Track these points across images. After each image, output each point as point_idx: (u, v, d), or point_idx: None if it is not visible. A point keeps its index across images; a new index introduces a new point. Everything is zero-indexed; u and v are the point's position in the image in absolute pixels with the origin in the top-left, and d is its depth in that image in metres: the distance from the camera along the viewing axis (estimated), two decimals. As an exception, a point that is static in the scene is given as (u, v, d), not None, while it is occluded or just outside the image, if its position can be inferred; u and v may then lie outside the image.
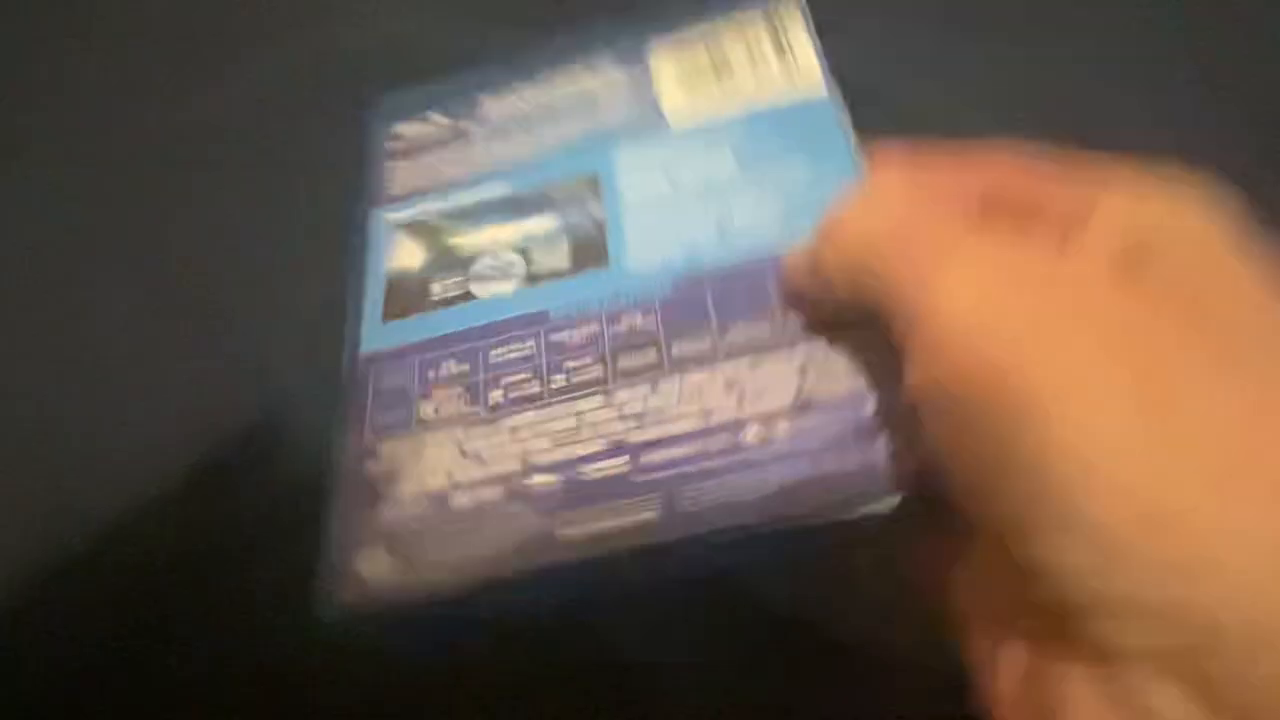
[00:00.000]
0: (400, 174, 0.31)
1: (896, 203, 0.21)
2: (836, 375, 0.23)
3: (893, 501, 0.21)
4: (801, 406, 0.22)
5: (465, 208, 0.29)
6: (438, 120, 0.32)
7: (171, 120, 0.38)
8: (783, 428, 0.22)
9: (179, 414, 0.30)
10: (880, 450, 0.21)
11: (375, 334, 0.27)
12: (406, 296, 0.28)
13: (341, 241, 0.31)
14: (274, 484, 0.27)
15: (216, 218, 0.35)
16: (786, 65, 0.29)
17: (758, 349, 0.24)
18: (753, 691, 0.21)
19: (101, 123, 0.39)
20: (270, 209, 0.34)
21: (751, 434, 0.22)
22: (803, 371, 0.23)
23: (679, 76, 0.30)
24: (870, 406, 0.22)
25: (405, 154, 0.31)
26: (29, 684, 0.25)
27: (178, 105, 0.39)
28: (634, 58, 0.31)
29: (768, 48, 0.29)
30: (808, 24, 0.30)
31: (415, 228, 0.29)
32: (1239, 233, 0.19)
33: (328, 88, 0.38)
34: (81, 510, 0.28)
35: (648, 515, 0.22)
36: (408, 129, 0.32)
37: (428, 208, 0.30)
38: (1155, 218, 0.19)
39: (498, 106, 0.31)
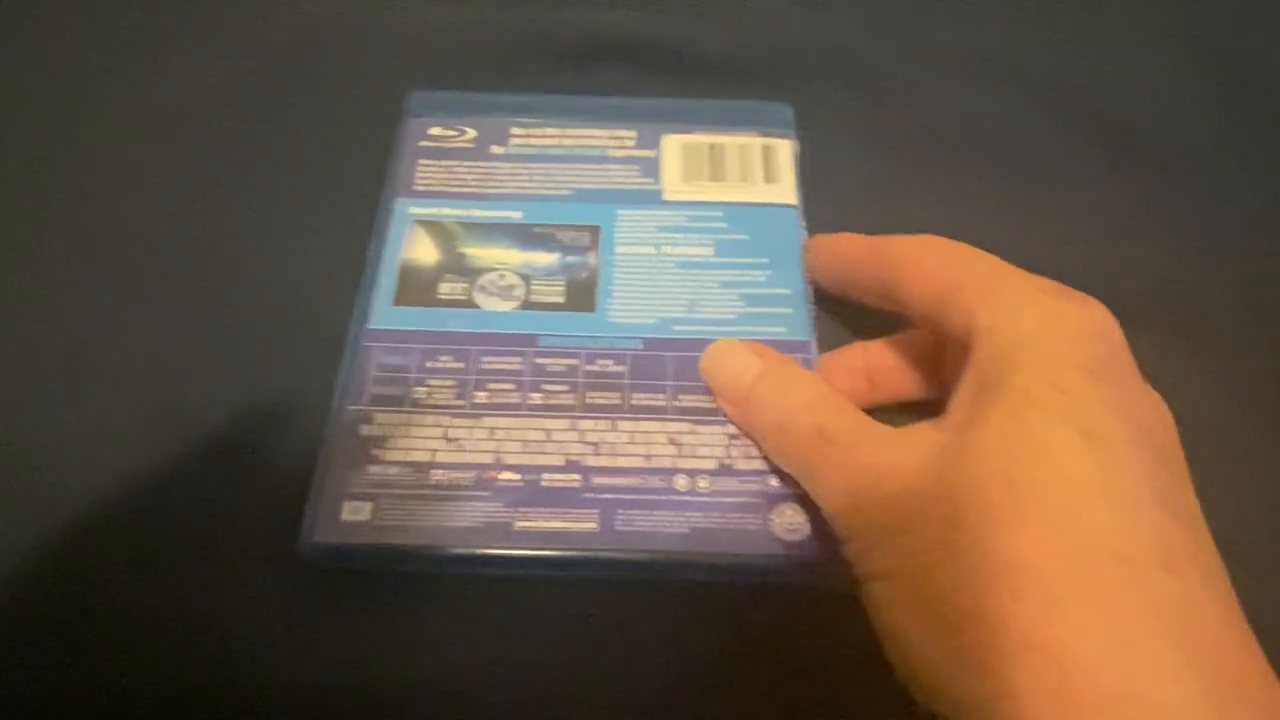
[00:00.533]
0: (427, 172, 0.35)
1: (805, 394, 0.27)
2: (753, 453, 0.29)
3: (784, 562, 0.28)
4: (723, 470, 0.29)
5: (479, 222, 0.34)
6: (469, 132, 0.36)
7: (163, 89, 0.39)
8: (706, 484, 0.29)
9: (183, 358, 0.32)
10: (777, 518, 0.28)
11: (385, 314, 0.32)
12: (416, 288, 0.32)
13: (341, 215, 0.35)
14: (268, 430, 0.30)
15: (207, 180, 0.36)
16: (770, 179, 0.35)
17: (699, 417, 0.30)
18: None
19: (77, 89, 0.39)
20: (271, 179, 0.36)
21: (681, 482, 0.29)
22: (729, 444, 0.29)
23: (682, 165, 0.36)
24: (775, 482, 0.29)
25: (435, 154, 0.36)
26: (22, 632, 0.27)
27: (175, 70, 0.39)
28: (649, 139, 0.36)
29: (758, 165, 0.36)
30: (795, 151, 0.36)
31: (432, 227, 0.34)
32: (1107, 340, 0.23)
33: (324, 59, 0.40)
34: (67, 449, 0.30)
35: (589, 526, 0.28)
36: (441, 132, 0.36)
37: (446, 211, 0.34)
38: (1026, 332, 0.24)
39: (524, 138, 0.36)
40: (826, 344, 0.31)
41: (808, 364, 0.31)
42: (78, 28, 0.41)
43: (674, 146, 0.36)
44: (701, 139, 0.36)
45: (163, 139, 0.38)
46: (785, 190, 0.35)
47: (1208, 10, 0.44)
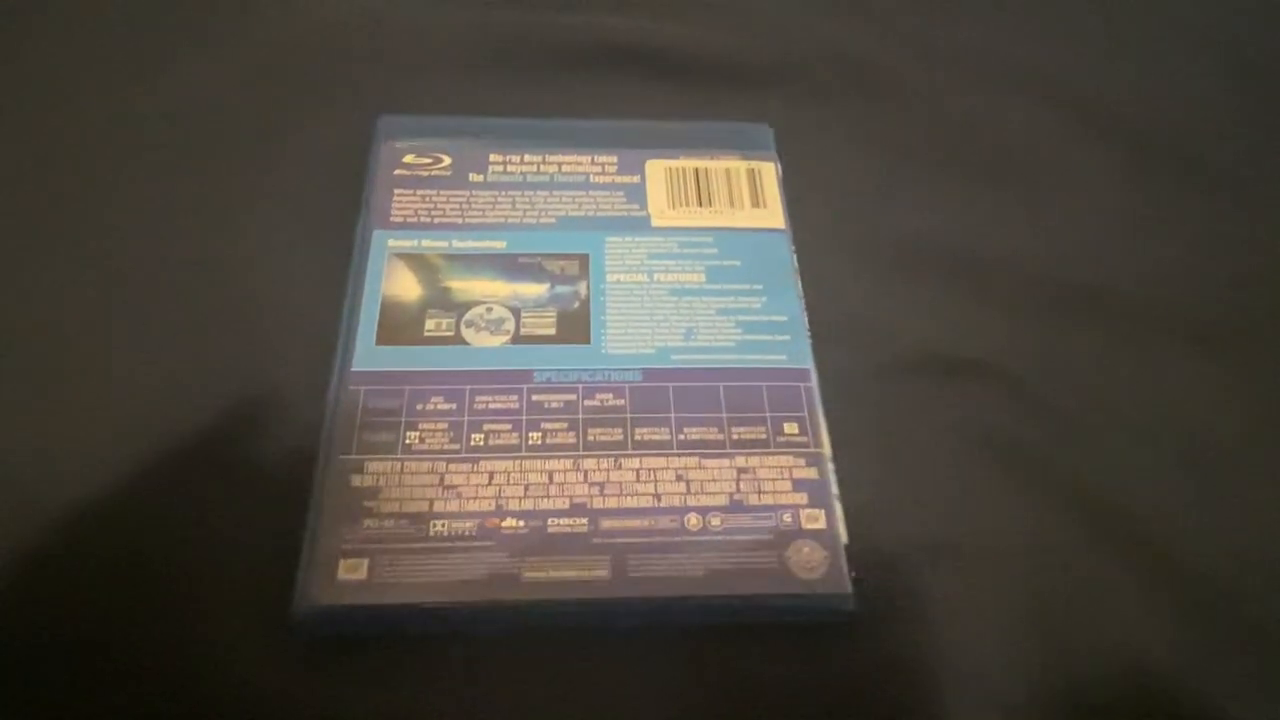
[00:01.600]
0: (404, 202, 0.34)
1: None
2: (765, 488, 0.28)
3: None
4: (734, 506, 0.28)
5: (462, 254, 0.33)
6: (444, 159, 0.35)
7: (141, 106, 0.37)
8: (718, 521, 0.28)
9: (152, 411, 0.30)
10: (793, 555, 0.27)
11: (368, 355, 0.30)
12: (400, 325, 0.31)
13: (325, 241, 0.33)
14: (250, 485, 0.28)
15: (189, 208, 0.35)
16: (756, 203, 0.35)
17: (705, 451, 0.29)
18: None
19: (57, 106, 0.37)
20: (254, 201, 0.34)
21: (692, 521, 0.28)
22: (738, 479, 0.29)
23: (667, 191, 0.35)
24: (788, 518, 0.28)
25: (410, 184, 0.34)
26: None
27: (149, 89, 0.37)
28: (632, 164, 0.35)
29: (744, 189, 0.35)
30: (779, 173, 0.35)
31: (413, 260, 0.32)
32: None
33: (310, 74, 0.39)
34: (46, 506, 0.28)
35: (600, 573, 0.27)
36: (416, 160, 0.35)
37: (426, 243, 0.33)
38: None
39: (503, 166, 0.35)
40: (827, 372, 0.31)
41: (809, 393, 0.30)
42: (61, 51, 0.39)
43: (658, 171, 0.35)
44: (685, 163, 0.35)
45: (136, 156, 0.36)
46: (773, 214, 0.34)
47: (1230, 14, 0.43)
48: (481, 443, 0.29)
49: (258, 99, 0.37)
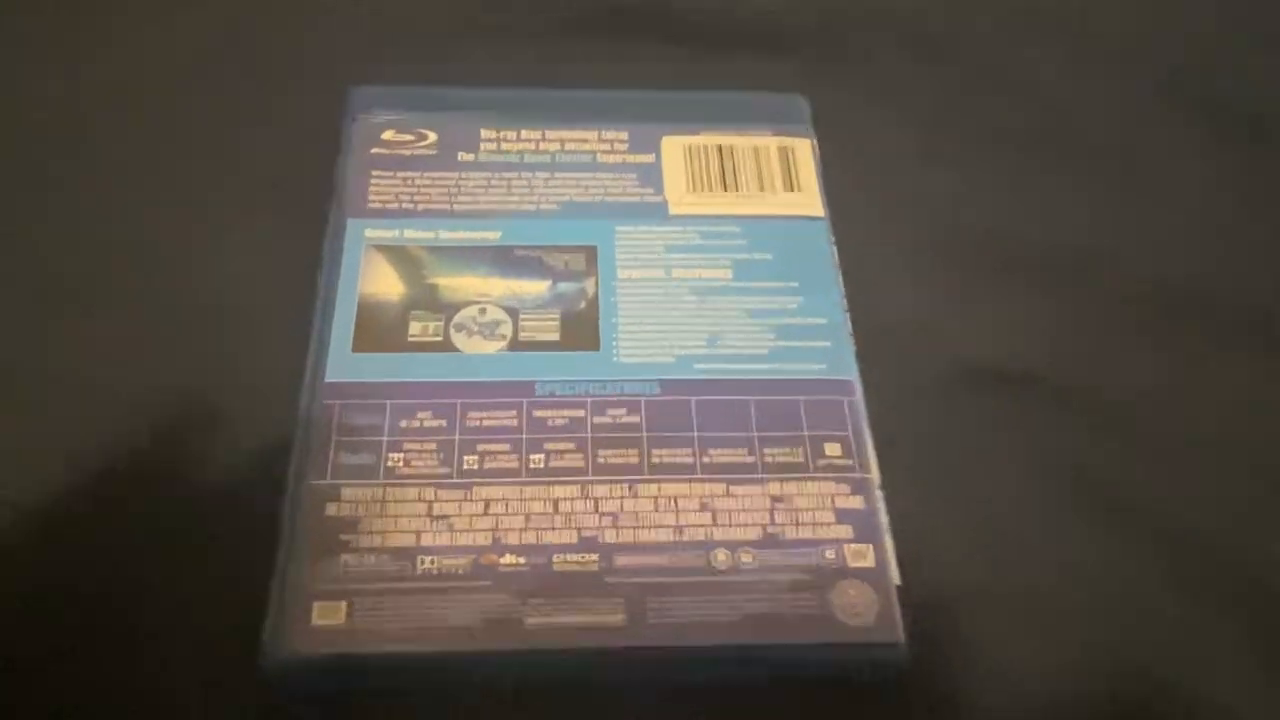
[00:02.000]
0: (382, 185, 0.30)
1: None
2: (803, 518, 0.25)
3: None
4: (768, 541, 0.24)
5: (451, 246, 0.29)
6: (429, 135, 0.31)
7: (88, 80, 0.34)
8: (750, 558, 0.24)
9: (95, 428, 0.26)
10: (837, 599, 0.24)
11: (343, 363, 0.26)
12: (381, 329, 0.27)
13: (291, 232, 0.29)
14: (209, 515, 0.25)
15: (139, 195, 0.31)
16: (790, 187, 0.31)
17: (733, 476, 0.25)
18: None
19: None
20: (211, 187, 0.31)
21: (720, 557, 0.24)
22: (772, 509, 0.25)
23: (686, 172, 0.31)
24: (830, 553, 0.24)
25: (390, 164, 0.30)
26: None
27: (96, 61, 0.34)
28: (646, 141, 0.32)
29: (776, 171, 0.31)
30: (816, 151, 0.32)
31: (395, 253, 0.28)
32: None
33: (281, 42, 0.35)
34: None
35: (614, 619, 0.23)
36: (396, 137, 0.31)
37: (409, 233, 0.29)
38: None
39: (497, 144, 0.31)
40: (873, 384, 0.27)
41: (853, 408, 0.27)
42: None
43: (676, 150, 0.31)
44: (708, 140, 0.32)
45: (81, 136, 0.32)
46: (810, 199, 0.31)
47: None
48: (475, 466, 0.25)
49: (216, 70, 0.34)
